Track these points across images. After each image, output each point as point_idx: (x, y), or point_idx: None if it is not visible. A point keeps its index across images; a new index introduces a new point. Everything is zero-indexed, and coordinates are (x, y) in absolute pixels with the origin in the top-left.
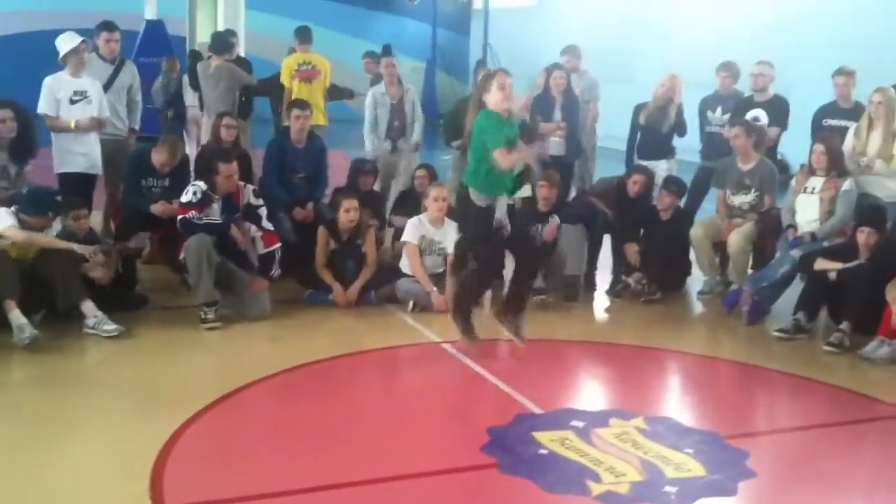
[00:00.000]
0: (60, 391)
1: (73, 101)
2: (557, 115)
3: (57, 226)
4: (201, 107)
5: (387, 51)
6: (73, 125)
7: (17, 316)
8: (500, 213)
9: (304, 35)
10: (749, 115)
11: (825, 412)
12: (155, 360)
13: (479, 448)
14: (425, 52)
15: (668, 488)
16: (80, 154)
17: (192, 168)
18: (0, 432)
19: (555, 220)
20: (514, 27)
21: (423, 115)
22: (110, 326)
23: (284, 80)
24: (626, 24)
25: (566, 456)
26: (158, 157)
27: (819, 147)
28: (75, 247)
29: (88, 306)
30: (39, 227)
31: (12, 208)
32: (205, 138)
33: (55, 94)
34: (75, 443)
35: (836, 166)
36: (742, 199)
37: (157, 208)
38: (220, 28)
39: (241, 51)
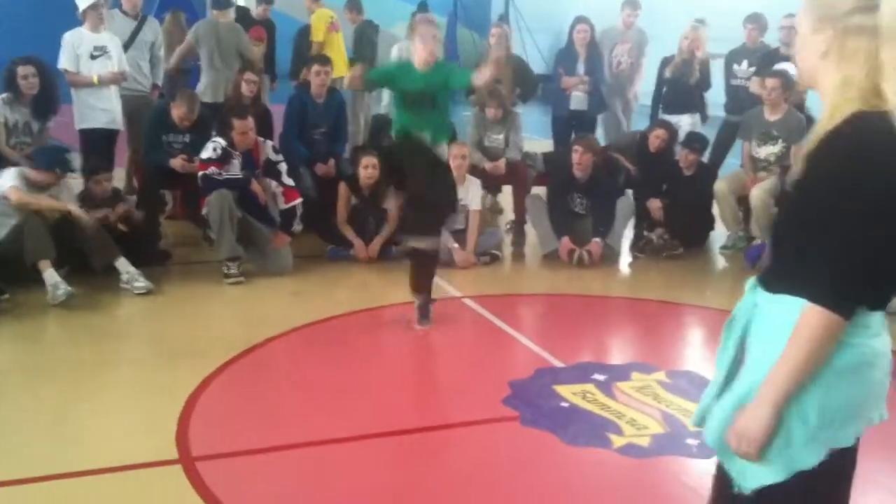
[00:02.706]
0: (87, 345)
1: (93, 57)
2: (581, 69)
3: (70, 186)
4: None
5: (422, 7)
6: (95, 80)
7: (51, 275)
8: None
9: None
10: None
11: None
12: (179, 315)
13: (500, 401)
14: (447, 6)
15: (689, 441)
16: (101, 110)
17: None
18: (31, 385)
19: (598, 242)
20: None
21: None
22: (141, 283)
23: (318, 34)
24: None
25: (587, 409)
26: (177, 111)
27: None
28: (71, 208)
29: (122, 262)
30: (47, 184)
31: (25, 168)
32: (209, 95)
33: (75, 49)
34: (104, 395)
35: None
36: (769, 150)
37: (177, 163)
38: None
39: None
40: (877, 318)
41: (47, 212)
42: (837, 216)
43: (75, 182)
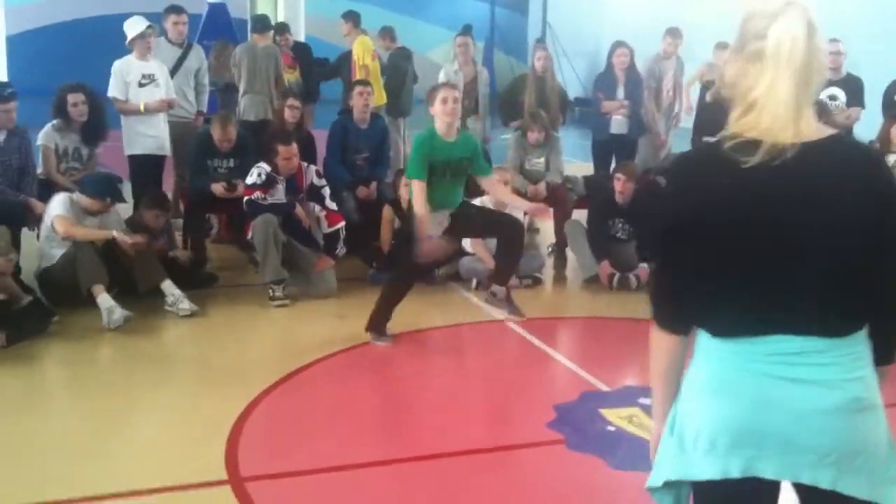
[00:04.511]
0: (135, 367)
1: (141, 85)
2: (620, 93)
3: (118, 212)
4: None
5: (466, 30)
6: (142, 108)
7: (105, 299)
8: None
9: (358, 19)
10: (825, 94)
11: (886, 392)
12: (225, 337)
13: (545, 424)
14: (484, 31)
15: None
16: (149, 136)
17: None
18: (83, 406)
19: (645, 268)
20: (573, 5)
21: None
22: (185, 306)
23: (367, 57)
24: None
25: (634, 433)
26: (215, 134)
27: None
28: (115, 234)
29: (167, 285)
30: (96, 211)
31: (75, 194)
32: (249, 114)
33: (124, 77)
34: (152, 417)
35: None
36: None
37: (217, 188)
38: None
39: (301, 34)
40: (742, 349)
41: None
42: (654, 237)
43: (125, 206)
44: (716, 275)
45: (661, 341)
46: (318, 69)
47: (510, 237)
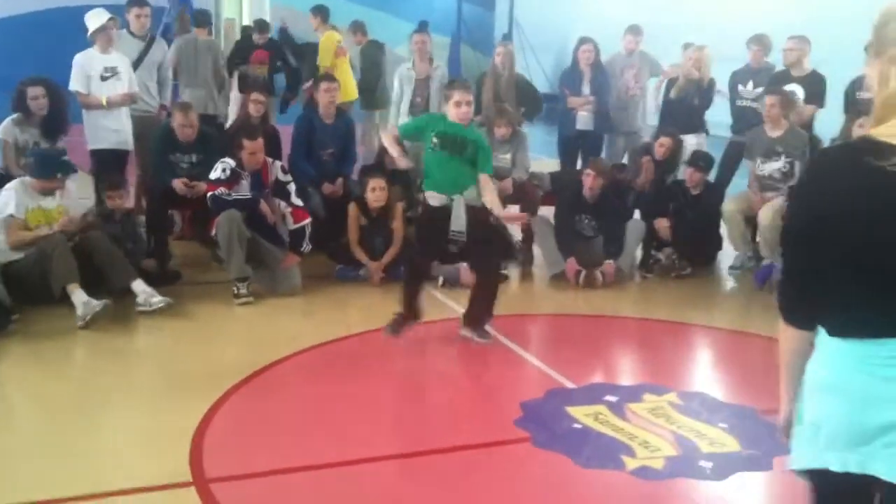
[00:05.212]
0: (98, 367)
1: (103, 78)
2: (586, 89)
3: (73, 189)
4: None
5: (422, 27)
6: (104, 102)
7: (80, 295)
8: (458, 223)
9: (327, 14)
10: (785, 89)
11: None
12: (189, 336)
13: (512, 422)
14: (451, 26)
15: (703, 463)
16: (112, 130)
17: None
18: (42, 407)
19: (611, 263)
20: (539, 1)
21: None
22: (158, 299)
23: (326, 59)
24: None
25: (600, 431)
26: (176, 119)
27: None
28: (55, 227)
29: (138, 284)
30: (51, 190)
31: (27, 178)
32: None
33: (86, 70)
34: (115, 418)
35: None
36: (772, 167)
37: (178, 184)
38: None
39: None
40: (858, 349)
41: (66, 234)
42: (783, 233)
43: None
44: (839, 275)
45: (786, 334)
46: (292, 47)
47: (486, 282)
